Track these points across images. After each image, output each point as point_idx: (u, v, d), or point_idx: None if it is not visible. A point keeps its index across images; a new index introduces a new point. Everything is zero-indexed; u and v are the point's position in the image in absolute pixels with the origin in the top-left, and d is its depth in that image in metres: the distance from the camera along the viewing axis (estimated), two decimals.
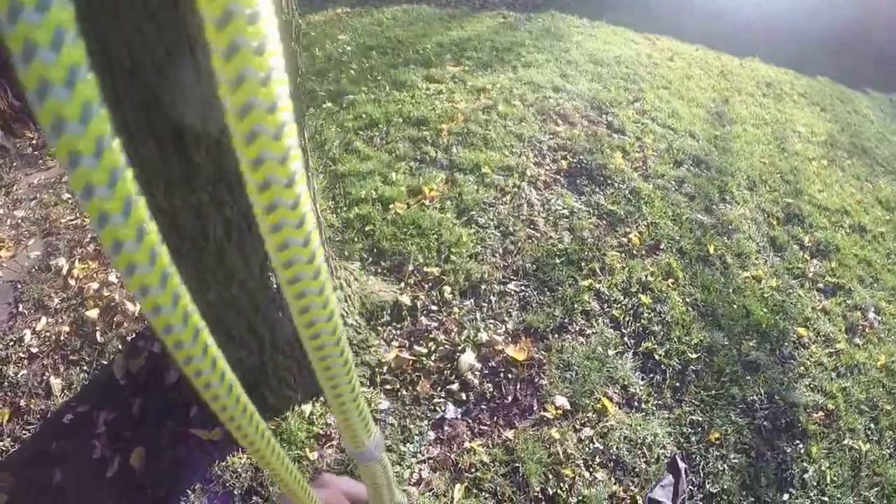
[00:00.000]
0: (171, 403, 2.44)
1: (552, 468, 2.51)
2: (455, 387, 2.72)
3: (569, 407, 2.74)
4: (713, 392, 3.02)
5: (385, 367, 2.73)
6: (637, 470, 2.60)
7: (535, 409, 2.72)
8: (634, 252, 3.67)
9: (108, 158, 0.25)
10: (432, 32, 6.30)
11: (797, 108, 7.23)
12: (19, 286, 3.08)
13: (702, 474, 2.70)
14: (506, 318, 3.06)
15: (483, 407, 2.69)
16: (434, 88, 5.02)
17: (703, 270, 3.71)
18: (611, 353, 3.03)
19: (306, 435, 2.44)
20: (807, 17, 10.64)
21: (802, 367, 3.40)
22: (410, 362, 2.77)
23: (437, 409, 2.65)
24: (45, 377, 2.66)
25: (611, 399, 2.82)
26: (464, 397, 2.70)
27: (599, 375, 2.89)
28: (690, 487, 2.63)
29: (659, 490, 2.44)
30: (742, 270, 3.88)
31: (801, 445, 2.99)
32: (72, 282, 3.09)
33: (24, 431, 2.46)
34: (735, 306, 3.56)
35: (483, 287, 3.16)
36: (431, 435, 2.56)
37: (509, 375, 2.81)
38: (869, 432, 3.21)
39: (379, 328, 2.88)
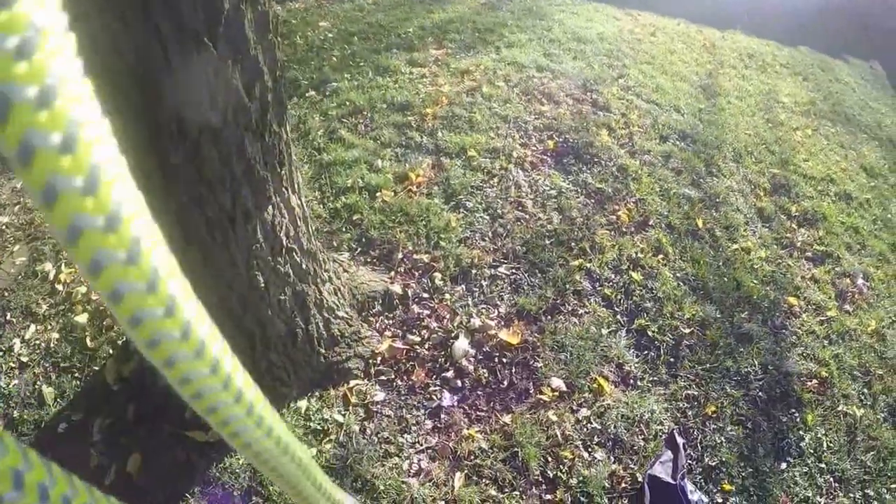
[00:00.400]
0: (166, 406, 2.41)
1: (551, 451, 2.51)
2: (450, 374, 2.71)
3: (565, 388, 2.74)
4: (707, 366, 3.03)
5: (379, 358, 2.71)
6: (636, 448, 2.61)
7: (531, 392, 2.72)
8: (623, 229, 3.67)
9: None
10: (414, 16, 6.23)
11: (780, 78, 7.22)
12: (6, 294, 3.03)
13: (700, 448, 2.72)
14: (498, 303, 3.05)
15: (479, 393, 2.69)
16: (417, 72, 4.97)
17: (692, 245, 3.71)
18: (604, 331, 3.03)
19: (304, 431, 2.43)
20: None
21: (794, 337, 3.42)
22: (404, 351, 2.76)
23: (433, 397, 2.64)
24: (36, 386, 2.62)
25: (606, 378, 2.82)
26: (459, 384, 2.69)
27: (594, 355, 2.89)
28: (689, 462, 2.64)
29: (658, 466, 2.44)
30: (731, 243, 3.89)
31: (796, 414, 3.01)
32: (59, 287, 3.05)
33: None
34: (726, 279, 3.57)
35: (474, 272, 3.15)
36: (429, 424, 2.55)
37: (504, 360, 2.81)
38: (863, 397, 3.24)
39: (371, 318, 2.87)
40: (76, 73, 0.23)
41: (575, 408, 2.69)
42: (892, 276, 4.25)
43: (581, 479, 2.44)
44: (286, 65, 5.02)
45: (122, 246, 0.25)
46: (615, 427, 2.65)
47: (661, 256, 3.55)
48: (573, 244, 3.44)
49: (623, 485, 2.48)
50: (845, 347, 3.45)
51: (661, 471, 2.41)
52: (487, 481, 2.38)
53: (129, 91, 1.33)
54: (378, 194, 3.52)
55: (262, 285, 2.03)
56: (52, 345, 2.79)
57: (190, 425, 2.35)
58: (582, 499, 2.40)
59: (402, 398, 2.62)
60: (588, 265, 3.34)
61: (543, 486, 2.42)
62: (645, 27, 7.36)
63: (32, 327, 2.87)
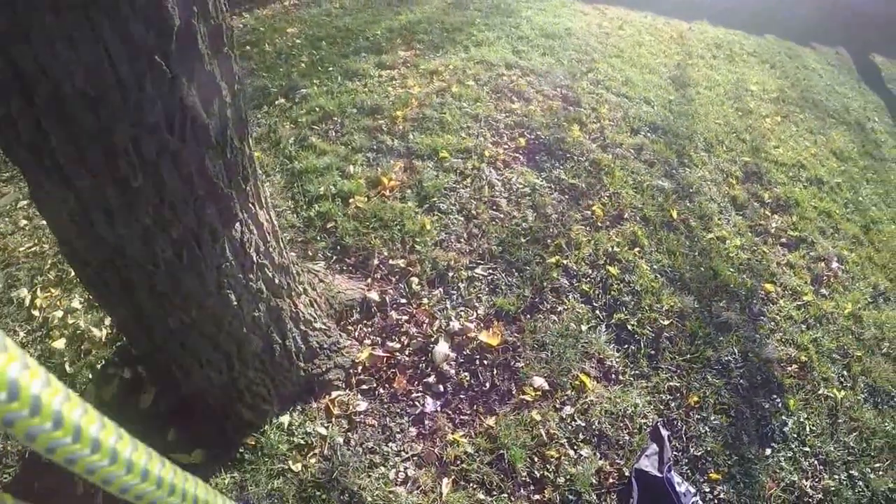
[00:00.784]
0: (148, 429, 2.37)
1: (537, 450, 2.50)
2: (432, 379, 2.69)
3: (547, 387, 2.73)
4: (688, 356, 3.04)
5: (359, 367, 2.69)
6: (621, 442, 2.61)
7: (513, 393, 2.70)
8: (599, 224, 3.67)
9: None
10: (382, 18, 6.20)
11: (748, 67, 7.29)
12: None
13: (685, 439, 2.73)
14: (476, 304, 3.04)
15: (462, 396, 2.67)
16: (387, 75, 4.94)
17: (667, 236, 3.73)
18: (584, 328, 3.02)
19: (288, 447, 2.39)
20: None
21: (773, 323, 3.44)
22: (384, 359, 2.73)
23: (416, 403, 2.62)
24: None
25: (588, 374, 2.82)
26: (441, 389, 2.67)
27: (575, 352, 2.88)
28: (675, 453, 2.64)
29: (644, 460, 2.44)
30: (706, 232, 3.91)
31: (778, 399, 3.03)
32: (35, 312, 2.98)
33: (5, 475, 2.38)
34: (702, 269, 3.59)
35: (450, 274, 3.13)
36: (413, 431, 2.53)
37: (485, 362, 2.79)
38: (843, 379, 3.27)
39: (349, 327, 2.84)
40: None
41: (558, 406, 2.68)
42: (866, 258, 4.30)
43: (568, 477, 2.43)
44: (255, 72, 4.98)
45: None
46: (599, 423, 2.64)
47: (637, 249, 3.56)
48: (549, 241, 3.43)
49: (611, 480, 2.48)
50: (823, 331, 3.48)
51: (648, 464, 2.41)
52: (475, 486, 2.36)
53: (82, 115, 1.30)
54: (351, 201, 3.49)
55: (235, 303, 2.00)
56: None
57: (173, 447, 2.32)
58: (570, 497, 2.39)
59: (385, 406, 2.59)
60: (565, 262, 3.33)
61: (531, 487, 2.40)
62: (613, 21, 7.40)
63: None
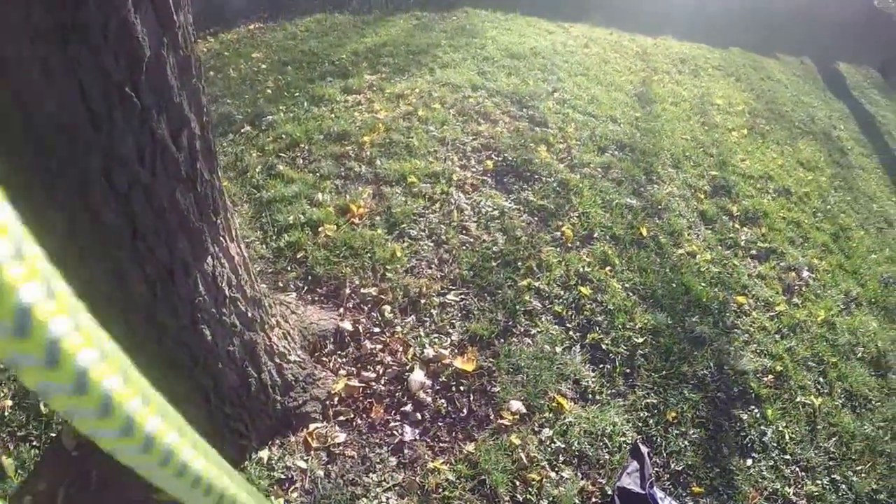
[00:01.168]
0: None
1: (518, 474, 2.48)
2: (409, 408, 2.66)
3: (525, 410, 2.71)
4: (664, 373, 3.05)
5: (336, 398, 2.65)
6: (601, 462, 2.60)
7: (491, 417, 2.68)
8: (569, 245, 3.68)
9: None
10: (347, 41, 6.22)
11: (713, 81, 7.42)
12: None
13: (665, 454, 2.72)
14: (450, 330, 3.02)
15: (440, 424, 2.64)
16: (353, 100, 4.94)
17: (638, 254, 3.75)
18: (558, 349, 3.02)
19: (269, 482, 2.35)
20: None
21: (747, 335, 3.47)
22: (360, 389, 2.70)
23: (395, 433, 2.58)
24: None
25: (565, 396, 2.81)
26: (419, 417, 2.64)
27: (550, 374, 2.88)
28: (656, 469, 2.64)
29: (626, 478, 2.43)
30: (676, 248, 3.94)
31: (756, 410, 3.05)
32: None
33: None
34: (674, 285, 3.61)
35: (423, 301, 3.11)
36: (393, 461, 2.49)
37: (461, 388, 2.77)
38: (819, 386, 3.30)
39: (324, 359, 2.81)
40: None
41: (537, 429, 2.67)
42: (837, 266, 4.36)
43: (551, 499, 2.41)
44: (220, 99, 4.96)
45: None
46: (579, 443, 2.63)
47: (608, 269, 3.57)
48: (520, 264, 3.43)
49: (593, 500, 2.47)
50: (797, 340, 3.52)
51: (630, 482, 2.40)
52: None
53: (54, 147, 1.28)
54: (321, 229, 3.46)
55: (210, 338, 1.97)
56: (5, 413, 2.66)
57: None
58: None
59: (364, 437, 2.56)
60: (536, 284, 3.33)
61: None
62: (578, 38, 7.50)
63: None
